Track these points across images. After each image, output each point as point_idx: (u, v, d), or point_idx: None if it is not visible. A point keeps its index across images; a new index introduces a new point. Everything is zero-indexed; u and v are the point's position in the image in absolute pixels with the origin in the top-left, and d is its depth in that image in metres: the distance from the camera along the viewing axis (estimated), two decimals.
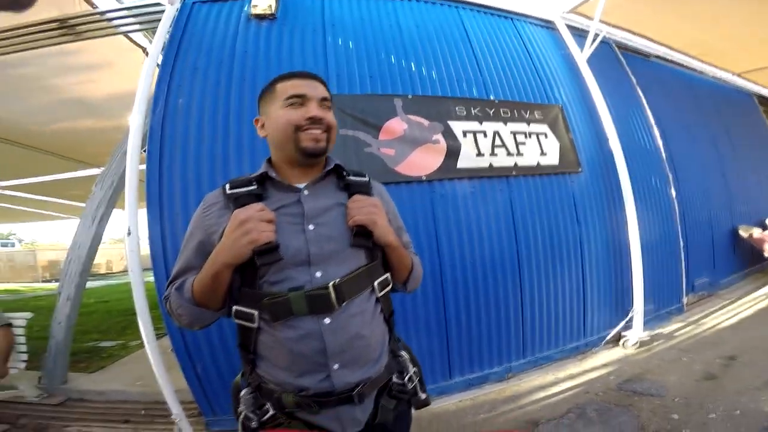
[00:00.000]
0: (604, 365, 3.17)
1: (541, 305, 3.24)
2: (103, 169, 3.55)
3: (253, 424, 0.98)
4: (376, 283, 1.05)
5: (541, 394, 2.79)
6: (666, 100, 4.96)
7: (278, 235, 0.94)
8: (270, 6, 3.04)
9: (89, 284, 3.57)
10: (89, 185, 8.31)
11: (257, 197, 1.01)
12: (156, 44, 2.71)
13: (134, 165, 2.39)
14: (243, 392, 1.03)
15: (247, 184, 1.03)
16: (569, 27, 4.13)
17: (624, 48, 4.81)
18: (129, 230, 2.30)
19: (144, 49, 3.75)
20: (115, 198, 3.44)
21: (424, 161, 2.93)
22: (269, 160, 1.10)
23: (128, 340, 4.98)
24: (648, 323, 3.61)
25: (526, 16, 4.10)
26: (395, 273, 1.12)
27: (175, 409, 2.35)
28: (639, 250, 3.53)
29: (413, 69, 3.20)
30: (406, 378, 1.09)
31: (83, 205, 10.22)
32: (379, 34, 3.26)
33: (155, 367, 2.36)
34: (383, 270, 1.08)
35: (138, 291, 2.42)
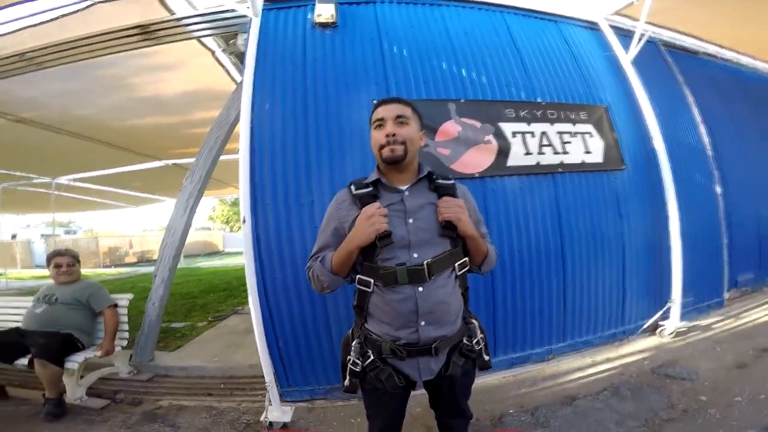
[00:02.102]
0: (640, 351, 3.35)
1: (582, 293, 3.44)
2: (192, 164, 3.90)
3: (357, 368, 1.39)
4: (456, 264, 1.39)
5: (579, 374, 3.02)
6: (714, 96, 4.91)
7: (390, 225, 1.32)
8: (332, 15, 3.25)
9: (149, 269, 3.89)
10: (150, 177, 9.05)
11: (374, 197, 1.38)
12: (250, 54, 3.00)
13: (245, 164, 2.75)
14: (353, 343, 1.43)
15: (365, 186, 1.42)
16: (613, 28, 4.18)
17: (670, 46, 4.77)
18: (244, 219, 2.67)
19: (213, 52, 4.09)
20: (202, 190, 3.82)
21: (476, 160, 3.19)
22: (378, 167, 1.46)
23: (195, 321, 5.37)
24: (686, 315, 3.73)
25: (570, 18, 4.18)
26: (472, 258, 1.45)
27: (268, 378, 2.61)
28: (679, 244, 3.64)
29: (464, 74, 3.41)
30: (474, 341, 1.43)
31: (143, 195, 10.99)
32: (429, 41, 3.46)
33: (260, 345, 2.64)
34: (463, 255, 1.42)
35: (251, 276, 2.66)
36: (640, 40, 3.87)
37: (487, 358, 1.47)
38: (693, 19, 4.53)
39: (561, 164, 3.41)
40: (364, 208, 1.33)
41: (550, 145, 3.41)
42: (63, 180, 9.46)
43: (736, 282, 4.53)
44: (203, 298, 7.14)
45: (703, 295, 4.12)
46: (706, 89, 4.82)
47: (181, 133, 6.37)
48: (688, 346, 3.36)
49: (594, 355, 3.32)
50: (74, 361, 2.96)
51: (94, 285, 3.42)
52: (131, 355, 3.67)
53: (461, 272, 1.41)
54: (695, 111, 4.52)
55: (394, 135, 1.35)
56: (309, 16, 3.36)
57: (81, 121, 5.59)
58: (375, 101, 3.04)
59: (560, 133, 3.47)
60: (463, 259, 1.41)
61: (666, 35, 4.70)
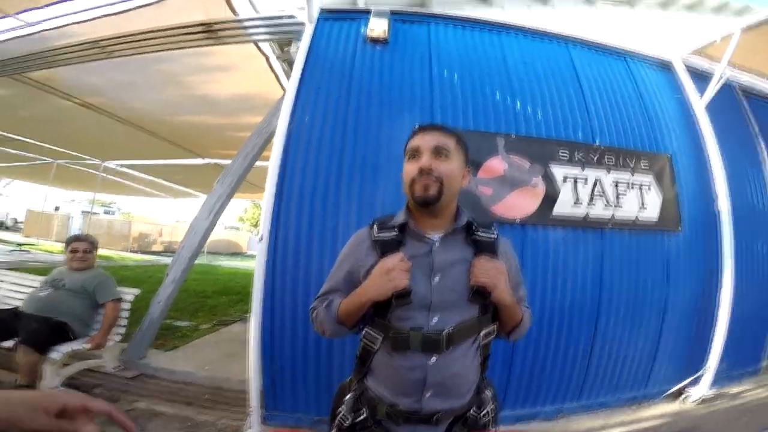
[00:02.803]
0: (659, 416, 3.12)
1: (610, 355, 3.19)
2: (226, 167, 3.88)
3: (347, 423, 1.19)
4: (482, 333, 1.18)
5: None
6: None
7: (410, 281, 1.12)
8: (384, 31, 3.17)
9: (167, 260, 3.85)
10: (192, 172, 9.33)
11: (398, 244, 1.18)
12: (299, 61, 2.96)
13: (272, 182, 2.68)
14: (348, 396, 1.24)
15: (391, 229, 1.21)
16: (688, 69, 3.89)
17: (748, 92, 4.38)
18: (261, 237, 2.58)
19: (267, 58, 4.10)
20: (231, 194, 3.79)
21: (520, 204, 2.96)
22: (407, 206, 1.25)
23: (199, 322, 5.19)
24: (716, 382, 3.43)
25: (642, 56, 3.92)
26: (502, 325, 1.24)
27: (254, 402, 2.52)
28: (727, 316, 3.37)
29: (518, 107, 3.21)
30: (482, 413, 1.22)
31: (182, 188, 11.36)
32: (485, 69, 3.31)
33: (252, 366, 2.54)
34: (491, 322, 1.21)
35: (258, 294, 2.59)
36: (718, 82, 3.57)
37: (493, 430, 1.25)
38: None
39: (612, 219, 3.14)
40: (384, 258, 1.14)
41: (602, 195, 3.14)
42: (112, 164, 9.98)
43: None
44: (215, 299, 7.02)
45: (738, 363, 3.76)
46: None
47: (227, 135, 6.52)
48: (711, 414, 3.13)
49: (608, 418, 3.07)
50: (59, 351, 2.86)
51: (104, 275, 3.34)
52: (123, 350, 3.57)
53: (486, 341, 1.20)
54: (767, 168, 4.14)
55: (429, 170, 1.14)
56: (362, 30, 3.29)
57: (137, 111, 5.86)
58: (417, 126, 2.94)
59: (616, 182, 3.20)
60: (491, 327, 1.21)
61: (744, 79, 4.33)
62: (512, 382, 2.96)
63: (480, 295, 1.14)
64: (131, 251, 17.94)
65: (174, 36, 3.62)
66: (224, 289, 8.24)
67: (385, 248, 1.17)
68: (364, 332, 1.21)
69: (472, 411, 1.20)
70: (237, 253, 25.80)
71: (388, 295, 1.10)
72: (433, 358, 1.11)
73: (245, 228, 39.58)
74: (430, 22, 3.47)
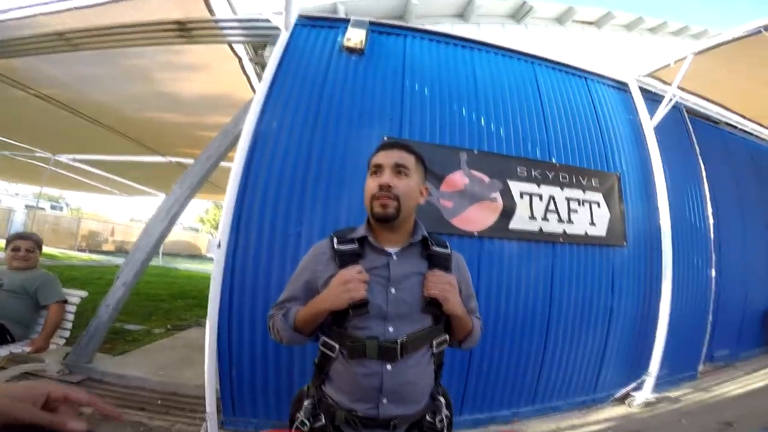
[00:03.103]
0: (606, 420, 3.29)
1: (560, 362, 3.35)
2: (187, 169, 3.76)
3: (305, 429, 1.24)
4: (434, 342, 1.26)
5: None
6: (725, 170, 4.92)
7: (368, 293, 1.18)
8: (361, 41, 3.19)
9: (119, 261, 3.71)
10: (149, 169, 8.94)
11: (357, 257, 1.24)
12: (271, 65, 2.94)
13: (234, 187, 2.64)
14: (306, 402, 1.27)
15: (350, 242, 1.27)
16: (642, 90, 4.13)
17: (694, 113, 4.71)
18: (219, 243, 2.53)
19: (240, 59, 4.01)
20: (190, 197, 3.66)
21: (479, 217, 3.08)
22: (368, 220, 1.31)
23: (152, 326, 5.04)
24: (658, 386, 3.68)
25: (600, 77, 4.13)
26: (454, 334, 1.31)
27: (210, 408, 2.47)
28: (666, 324, 3.62)
29: (482, 123, 3.33)
30: (438, 419, 1.28)
31: (138, 186, 10.83)
32: (454, 84, 3.40)
33: (208, 370, 2.50)
34: (444, 332, 1.28)
35: (214, 299, 2.52)
36: (668, 104, 3.82)
37: None
38: (723, 85, 4.40)
39: (564, 234, 3.32)
40: (342, 270, 1.19)
41: (555, 211, 3.32)
42: (63, 158, 9.35)
43: (712, 357, 4.54)
44: (170, 303, 6.81)
45: (678, 368, 4.05)
46: (718, 162, 4.80)
47: (192, 134, 6.31)
48: (654, 418, 3.32)
49: (560, 421, 3.23)
50: None
51: (47, 276, 3.13)
52: (67, 354, 3.41)
53: (438, 350, 1.28)
54: (705, 186, 4.47)
55: (389, 187, 1.21)
56: (339, 39, 3.31)
57: (97, 105, 5.56)
58: (385, 138, 2.99)
59: (569, 199, 3.39)
60: (443, 337, 1.28)
61: (692, 101, 4.62)
62: (469, 387, 3.06)
63: (432, 306, 1.21)
64: (79, 250, 17.02)
65: (146, 33, 3.51)
66: (180, 293, 7.97)
67: (344, 260, 1.23)
68: (321, 340, 1.25)
69: (427, 417, 1.26)
70: (195, 256, 24.97)
71: (344, 305, 1.15)
72: (389, 366, 1.17)
73: (205, 230, 38.27)
74: (407, 35, 3.53)
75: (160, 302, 6.77)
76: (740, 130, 5.32)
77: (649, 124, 3.93)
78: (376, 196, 1.22)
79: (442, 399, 1.32)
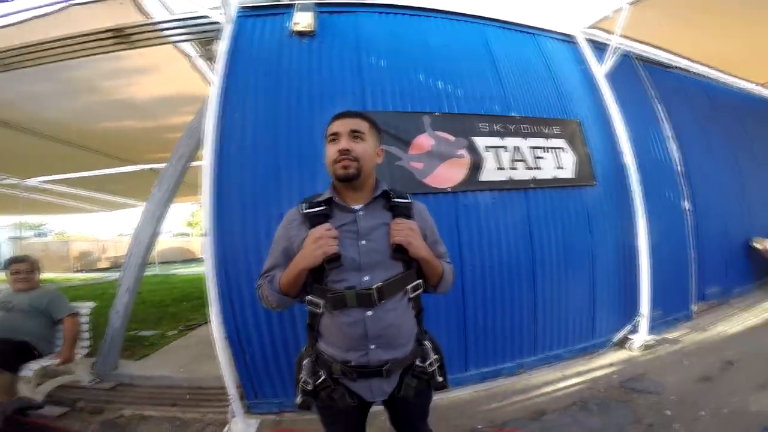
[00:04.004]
0: (609, 365, 3.37)
1: (553, 308, 3.46)
2: (161, 172, 3.83)
3: (309, 387, 1.36)
4: (408, 287, 1.35)
5: (549, 388, 3.03)
6: (686, 111, 5.04)
7: (340, 247, 1.28)
8: (310, 24, 3.23)
9: (116, 275, 3.86)
10: (126, 180, 8.83)
11: (325, 217, 1.34)
12: (221, 59, 2.97)
13: (209, 179, 2.70)
14: (305, 362, 1.39)
15: (317, 205, 1.36)
16: (589, 41, 4.26)
17: (645, 60, 4.87)
18: (205, 233, 2.62)
19: (189, 58, 4.00)
20: (171, 198, 3.73)
21: (449, 174, 3.19)
22: (332, 184, 1.42)
23: (165, 330, 5.27)
24: (655, 328, 3.80)
25: (548, 32, 4.24)
26: (426, 279, 1.41)
27: (231, 392, 2.61)
28: (647, 259, 3.73)
29: (440, 87, 3.42)
30: (428, 363, 1.39)
31: (119, 199, 10.61)
32: (408, 53, 3.46)
33: (221, 358, 2.62)
34: (416, 277, 1.38)
35: (212, 288, 2.63)
36: (614, 53, 3.95)
37: (440, 379, 1.43)
38: (666, 33, 4.61)
39: (533, 180, 3.45)
40: (312, 230, 1.29)
41: (522, 160, 3.44)
42: (33, 182, 9.13)
43: (704, 295, 4.63)
44: (175, 306, 7.01)
45: (671, 308, 4.19)
46: (677, 104, 4.94)
47: (157, 138, 6.19)
48: (656, 360, 3.40)
49: (564, 369, 3.33)
50: (30, 369, 2.91)
51: (53, 293, 3.33)
52: (94, 363, 3.58)
53: (414, 294, 1.38)
54: (666, 126, 4.63)
55: (347, 151, 1.31)
56: (286, 24, 3.32)
57: (52, 123, 5.40)
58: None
59: (533, 147, 3.51)
60: (416, 282, 1.38)
61: (640, 49, 4.79)
62: (470, 343, 3.17)
63: (400, 252, 1.32)
64: (75, 271, 17.19)
65: (81, 44, 3.46)
66: (183, 296, 8.14)
67: (313, 222, 1.33)
68: (307, 299, 1.35)
69: (417, 362, 1.38)
70: (191, 259, 24.89)
71: (319, 261, 1.25)
72: (369, 312, 1.28)
73: (195, 233, 37.99)
74: (357, 11, 3.57)
75: (167, 307, 6.96)
76: (693, 73, 5.48)
77: (599, 71, 4.07)
78: (337, 160, 1.32)
79: (428, 343, 1.43)
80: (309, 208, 1.37)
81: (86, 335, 3.35)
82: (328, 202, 1.38)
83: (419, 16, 3.73)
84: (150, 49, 3.68)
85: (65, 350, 3.13)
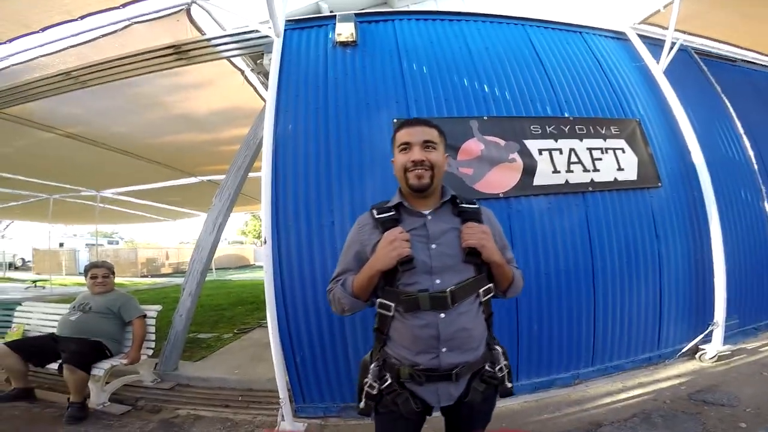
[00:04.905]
0: (677, 376, 3.16)
1: (614, 317, 3.27)
2: (221, 182, 4.02)
3: (374, 391, 1.35)
4: (480, 291, 1.34)
5: (607, 400, 2.87)
6: (759, 106, 4.62)
7: (412, 250, 1.29)
8: (352, 34, 3.31)
9: (182, 280, 4.08)
10: (186, 192, 9.37)
11: (396, 221, 1.36)
12: (273, 72, 3.10)
13: (267, 189, 2.83)
14: (372, 366, 1.38)
15: (388, 210, 1.39)
16: (642, 37, 4.07)
17: (705, 54, 4.57)
18: (265, 239, 2.75)
19: (242, 72, 4.22)
20: (230, 208, 3.92)
21: (501, 179, 3.10)
22: (400, 190, 1.44)
23: (221, 333, 5.48)
24: (731, 338, 3.51)
25: (595, 29, 4.09)
26: (497, 284, 1.40)
27: (282, 394, 2.68)
28: (723, 265, 3.44)
29: (486, 90, 3.36)
30: (497, 368, 1.37)
31: (180, 209, 11.32)
32: (450, 58, 3.45)
33: (276, 361, 2.71)
34: (487, 281, 1.37)
35: (270, 293, 2.73)
36: (671, 48, 3.74)
37: (509, 385, 1.40)
38: (724, 25, 4.35)
39: (591, 182, 3.27)
40: (386, 233, 1.32)
41: (579, 162, 3.28)
42: (107, 193, 10.02)
43: None
44: (231, 311, 7.33)
45: (750, 316, 3.84)
46: (747, 99, 4.56)
47: (213, 150, 6.57)
48: (731, 371, 3.14)
49: (626, 380, 3.14)
50: (100, 368, 3.13)
51: (126, 296, 3.61)
52: (156, 364, 3.79)
53: (485, 298, 1.37)
54: (737, 121, 4.27)
55: (422, 162, 1.33)
56: (330, 36, 3.43)
57: (120, 137, 5.87)
58: (395, 120, 3.08)
59: (590, 149, 3.33)
60: (488, 285, 1.37)
61: (699, 42, 4.53)
62: (522, 352, 3.06)
63: (472, 255, 1.31)
64: (141, 276, 18.53)
65: (145, 60, 3.72)
66: (238, 300, 8.55)
67: (385, 226, 1.35)
68: (378, 302, 1.36)
69: (487, 366, 1.35)
70: (245, 266, 26.10)
71: (393, 263, 1.26)
72: (442, 315, 1.27)
73: (249, 240, 39.75)
74: (395, 19, 3.61)
75: (223, 311, 7.32)
76: (760, 65, 5.04)
77: (657, 68, 3.87)
78: (409, 169, 1.35)
79: (498, 348, 1.42)
80: (380, 213, 1.40)
81: (152, 337, 3.55)
82: (398, 207, 1.40)
83: (458, 20, 3.71)
84: (206, 64, 3.90)
85: (133, 351, 3.35)
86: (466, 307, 1.31)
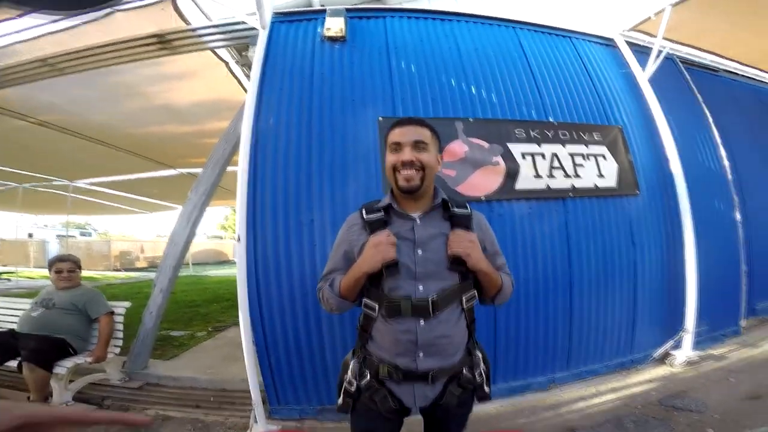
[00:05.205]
0: (648, 381, 3.20)
1: (589, 322, 3.30)
2: (198, 176, 3.91)
3: (352, 388, 1.35)
4: (463, 298, 1.33)
5: (582, 405, 2.89)
6: (737, 117, 4.76)
7: (398, 254, 1.27)
8: (341, 29, 3.25)
9: (153, 275, 3.94)
10: (164, 183, 9.18)
11: (384, 223, 1.34)
12: (256, 64, 3.01)
13: (243, 184, 2.73)
14: (352, 363, 1.39)
15: (377, 211, 1.37)
16: (630, 44, 4.11)
17: (689, 63, 4.65)
18: (239, 237, 2.65)
19: (226, 63, 4.12)
20: (206, 202, 3.80)
21: (483, 182, 3.09)
22: (392, 191, 1.41)
23: (194, 331, 5.34)
24: (699, 344, 3.59)
25: (585, 35, 4.11)
26: (485, 291, 1.39)
27: (255, 396, 2.59)
28: (695, 273, 3.53)
29: (473, 92, 3.34)
30: (477, 373, 1.37)
31: (158, 202, 11.14)
32: (439, 57, 3.42)
33: (248, 362, 2.61)
34: (472, 288, 1.36)
35: (243, 293, 2.64)
36: (657, 56, 3.79)
37: (487, 390, 1.40)
38: (712, 35, 4.41)
39: (572, 188, 3.30)
40: (372, 235, 1.31)
41: (561, 167, 3.30)
42: (80, 183, 9.72)
43: (754, 310, 4.34)
44: (206, 308, 7.15)
45: (718, 323, 3.94)
46: (726, 109, 4.68)
47: (195, 143, 6.44)
48: (699, 377, 3.21)
49: (599, 385, 3.18)
50: (63, 366, 3.00)
51: (92, 291, 3.44)
52: (125, 362, 3.66)
53: (468, 305, 1.35)
54: (715, 132, 4.38)
55: (412, 163, 1.30)
56: (319, 30, 3.36)
57: (98, 126, 5.72)
58: (381, 118, 3.04)
59: (572, 155, 3.36)
60: (472, 292, 1.36)
61: (684, 51, 4.59)
62: (499, 354, 3.06)
63: (457, 263, 1.29)
64: (114, 270, 17.87)
65: (128, 49, 3.63)
66: (214, 297, 8.36)
67: (373, 227, 1.34)
68: (363, 302, 1.35)
69: (465, 371, 1.35)
70: (223, 261, 25.65)
71: (378, 266, 1.25)
72: (422, 322, 1.26)
73: (228, 236, 39.15)
74: (386, 16, 3.57)
75: (197, 308, 7.14)
76: (742, 76, 5.18)
77: (642, 76, 3.92)
78: (399, 170, 1.32)
79: (479, 353, 1.41)
80: (369, 214, 1.38)
81: (119, 335, 3.41)
82: (387, 209, 1.38)
83: (449, 20, 3.69)
84: (190, 55, 3.80)
85: (98, 348, 3.21)
86: (447, 315, 1.30)
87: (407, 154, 1.30)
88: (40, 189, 10.04)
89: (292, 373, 2.84)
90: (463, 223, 1.36)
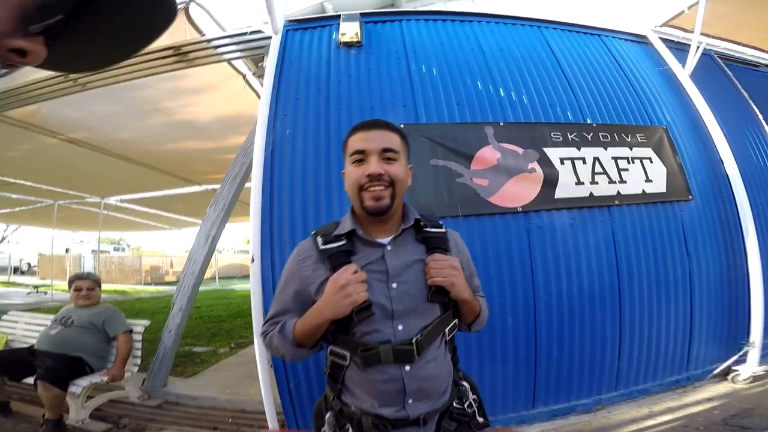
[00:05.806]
0: (708, 399, 2.92)
1: (641, 338, 3.02)
2: (216, 192, 3.85)
3: None
4: (446, 330, 1.14)
5: (633, 427, 2.62)
6: None
7: (368, 291, 1.04)
8: (357, 34, 3.14)
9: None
10: (190, 200, 9.29)
11: (347, 253, 1.10)
12: (269, 73, 2.92)
13: (257, 200, 2.62)
14: (327, 415, 1.14)
15: (337, 239, 1.12)
16: (664, 41, 3.89)
17: (728, 59, 4.35)
18: (252, 258, 2.54)
19: (243, 76, 4.06)
20: (226, 218, 3.71)
21: (519, 191, 2.83)
22: (353, 210, 1.17)
23: (217, 347, 5.28)
24: (765, 357, 3.25)
25: (615, 32, 3.91)
26: (462, 318, 1.21)
27: (270, 418, 2.49)
28: (760, 281, 3.24)
29: (502, 94, 3.15)
30: (466, 404, 1.18)
31: (184, 218, 11.35)
32: (462, 60, 3.25)
33: (263, 384, 2.51)
34: (453, 317, 1.17)
35: (257, 316, 2.51)
36: (696, 51, 3.55)
37: (482, 419, 1.19)
38: (749, 29, 4.15)
39: (618, 195, 3.01)
40: (336, 274, 1.05)
41: (604, 172, 3.02)
42: (111, 200, 9.94)
43: None
44: (230, 323, 7.11)
45: None
46: None
47: (217, 158, 6.46)
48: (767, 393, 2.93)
49: (652, 405, 2.88)
50: (78, 385, 2.95)
51: (111, 309, 3.40)
52: (144, 380, 3.62)
53: (450, 336, 1.17)
54: (766, 129, 4.03)
55: (379, 176, 1.06)
56: (333, 36, 3.25)
57: (122, 143, 5.82)
58: (402, 125, 2.82)
59: (615, 158, 3.08)
60: (453, 322, 1.17)
61: (722, 46, 4.34)
62: (540, 377, 2.81)
63: (438, 294, 1.10)
64: (145, 284, 18.58)
65: (145, 62, 3.61)
66: (239, 312, 8.36)
67: (333, 261, 1.09)
68: (329, 350, 1.13)
69: (455, 404, 1.17)
70: (249, 276, 26.00)
71: (347, 312, 1.03)
72: (407, 367, 1.06)
73: None
74: (402, 19, 3.44)
75: (222, 323, 7.13)
76: None
77: (682, 73, 3.67)
78: (364, 187, 1.07)
79: (465, 384, 1.24)
80: (326, 243, 1.12)
81: (138, 353, 3.37)
82: (350, 235, 1.13)
83: (469, 21, 3.53)
84: (206, 68, 3.77)
85: (115, 367, 3.16)
86: (433, 353, 1.11)
87: (374, 165, 1.06)
88: (73, 206, 10.37)
89: (312, 398, 2.63)
90: (439, 245, 1.16)
